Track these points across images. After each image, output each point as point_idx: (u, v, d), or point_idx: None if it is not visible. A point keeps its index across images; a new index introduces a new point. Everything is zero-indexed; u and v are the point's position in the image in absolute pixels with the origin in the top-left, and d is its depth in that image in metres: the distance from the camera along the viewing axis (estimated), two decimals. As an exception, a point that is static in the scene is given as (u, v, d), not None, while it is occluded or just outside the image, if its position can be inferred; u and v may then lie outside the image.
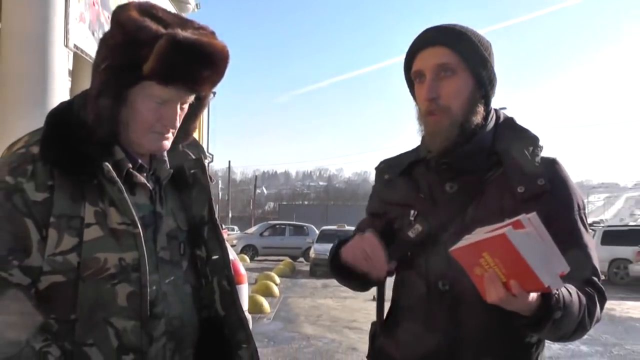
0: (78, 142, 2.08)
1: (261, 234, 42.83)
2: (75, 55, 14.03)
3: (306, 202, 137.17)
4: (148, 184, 2.24)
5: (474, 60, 2.30)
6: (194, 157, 2.40)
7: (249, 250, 40.66)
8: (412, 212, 2.38)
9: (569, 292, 2.05)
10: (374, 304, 2.56)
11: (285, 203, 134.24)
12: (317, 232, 36.27)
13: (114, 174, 2.08)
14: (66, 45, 13.48)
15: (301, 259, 38.56)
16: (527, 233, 1.80)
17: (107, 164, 2.08)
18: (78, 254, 2.05)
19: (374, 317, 2.53)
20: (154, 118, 2.15)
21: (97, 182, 2.08)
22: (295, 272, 30.97)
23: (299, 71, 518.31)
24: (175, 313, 2.23)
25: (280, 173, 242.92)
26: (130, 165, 2.18)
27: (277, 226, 44.43)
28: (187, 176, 2.37)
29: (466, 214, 2.28)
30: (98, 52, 2.16)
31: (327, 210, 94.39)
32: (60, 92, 13.14)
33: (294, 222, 46.59)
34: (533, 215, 1.87)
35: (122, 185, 2.10)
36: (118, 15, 2.12)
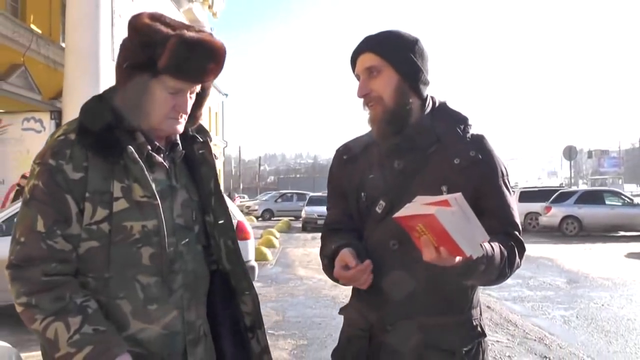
0: (107, 129, 1.96)
1: (275, 201, 45.27)
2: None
3: (298, 175, 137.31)
4: (165, 163, 2.11)
5: (394, 59, 2.21)
6: (201, 140, 2.27)
7: (267, 212, 42.97)
8: (363, 194, 2.30)
9: (492, 248, 1.99)
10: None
11: (282, 176, 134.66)
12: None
13: (137, 156, 1.96)
14: (113, 60, 13.39)
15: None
16: (453, 211, 1.71)
17: (130, 147, 1.96)
18: (109, 223, 1.94)
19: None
20: (169, 106, 2.03)
21: (123, 162, 1.96)
22: (291, 228, 31.27)
23: (297, 73, 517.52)
24: (189, 268, 2.11)
25: (278, 154, 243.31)
26: (150, 148, 2.05)
27: (287, 194, 46.58)
28: (197, 156, 2.24)
29: (413, 185, 2.17)
30: (119, 54, 2.04)
31: (314, 181, 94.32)
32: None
33: (298, 191, 47.82)
34: (459, 195, 1.78)
35: (143, 164, 1.98)
36: (134, 22, 1.99)
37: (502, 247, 2.07)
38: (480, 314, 2.29)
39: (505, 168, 2.27)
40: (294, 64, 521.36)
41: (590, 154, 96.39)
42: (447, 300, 2.18)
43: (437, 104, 2.33)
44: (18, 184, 12.94)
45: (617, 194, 27.10)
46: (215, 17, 27.71)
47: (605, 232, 25.22)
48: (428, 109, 2.29)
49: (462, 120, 2.28)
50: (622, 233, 25.33)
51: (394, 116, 2.21)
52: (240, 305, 2.28)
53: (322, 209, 30.59)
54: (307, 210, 31.37)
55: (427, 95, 2.30)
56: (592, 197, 26.15)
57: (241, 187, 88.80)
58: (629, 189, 40.75)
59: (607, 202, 25.82)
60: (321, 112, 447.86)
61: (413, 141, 2.23)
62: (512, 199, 2.25)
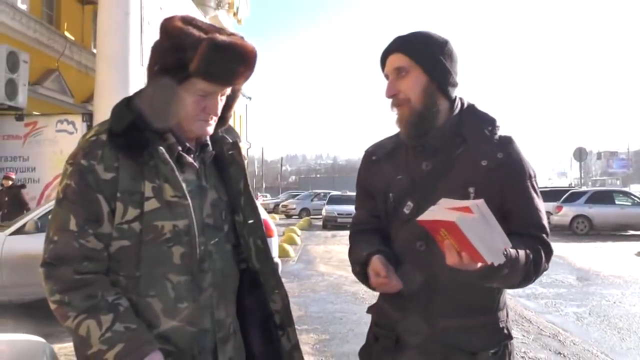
0: (138, 130, 1.90)
1: (311, 200, 45.23)
2: (149, 72, 13.96)
3: (318, 175, 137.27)
4: (195, 164, 2.05)
5: (423, 60, 2.12)
6: (230, 140, 2.21)
7: (304, 211, 42.77)
8: (390, 195, 2.21)
9: (517, 251, 1.90)
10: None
11: (303, 176, 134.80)
12: (328, 195, 36.61)
13: (167, 156, 1.91)
14: (142, 65, 13.44)
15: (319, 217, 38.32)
16: (474, 218, 1.66)
17: (161, 148, 1.91)
18: (140, 222, 1.88)
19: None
20: (199, 108, 1.96)
21: (153, 162, 1.90)
22: (311, 226, 31.12)
23: (318, 77, 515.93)
24: (218, 267, 2.05)
25: (299, 155, 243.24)
26: (180, 148, 2.00)
27: (320, 194, 46.17)
28: (226, 156, 2.18)
29: (440, 186, 2.08)
30: (151, 57, 1.98)
31: (334, 181, 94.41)
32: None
33: (331, 191, 46.63)
34: (481, 202, 1.72)
35: (173, 165, 1.92)
36: (166, 25, 1.93)
37: (527, 250, 1.98)
38: (507, 316, 2.20)
39: (533, 170, 2.17)
40: (315, 69, 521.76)
41: (599, 155, 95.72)
42: (473, 302, 2.10)
43: (465, 106, 2.24)
44: (1, 184, 12.98)
45: (626, 194, 26.91)
46: (240, 23, 27.83)
47: (615, 231, 24.96)
48: (456, 111, 2.20)
49: (489, 122, 2.18)
50: (631, 232, 25.04)
51: (421, 118, 2.13)
52: (270, 304, 2.22)
53: (342, 208, 30.91)
54: (327, 209, 31.21)
55: (455, 97, 2.21)
56: (602, 197, 25.89)
57: (264, 186, 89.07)
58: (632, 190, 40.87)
59: (617, 202, 25.58)
60: (341, 114, 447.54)
61: (440, 143, 2.15)
62: (540, 201, 2.15)
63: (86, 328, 1.78)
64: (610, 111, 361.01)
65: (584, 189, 32.62)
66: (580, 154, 36.61)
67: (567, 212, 25.06)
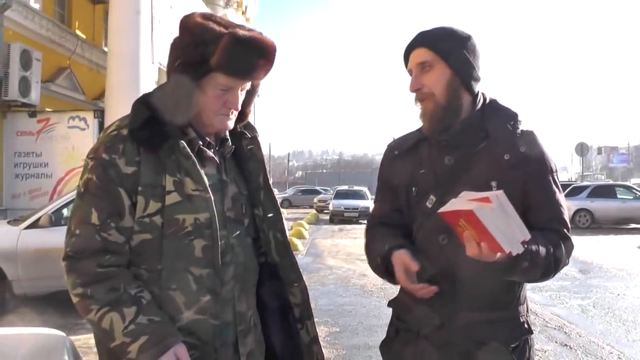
0: (159, 125, 1.88)
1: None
2: (160, 70, 13.94)
3: (324, 171, 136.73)
4: (215, 158, 2.03)
5: (447, 55, 2.08)
6: (250, 135, 2.18)
7: None
8: (414, 189, 2.18)
9: (538, 246, 1.87)
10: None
11: (309, 172, 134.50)
12: (335, 190, 36.33)
13: (189, 150, 1.89)
14: (152, 62, 13.44)
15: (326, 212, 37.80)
16: (492, 208, 1.64)
17: (183, 142, 1.89)
18: (161, 215, 1.86)
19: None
20: (220, 103, 1.94)
21: (174, 157, 1.89)
22: (319, 220, 31.04)
23: (324, 74, 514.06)
24: (240, 261, 2.03)
25: (306, 150, 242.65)
26: (201, 143, 1.98)
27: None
28: (245, 151, 2.16)
29: (462, 180, 2.04)
30: (170, 54, 1.96)
31: (340, 176, 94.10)
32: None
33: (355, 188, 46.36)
34: (500, 193, 1.70)
35: (195, 159, 1.90)
36: (186, 21, 1.92)
37: (548, 244, 1.95)
38: (527, 311, 2.17)
39: (555, 164, 2.14)
40: (321, 67, 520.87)
41: (599, 150, 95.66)
42: (494, 296, 2.06)
43: (487, 101, 2.20)
44: None
45: (628, 188, 26.84)
46: (248, 22, 27.70)
47: (616, 225, 24.87)
48: (479, 106, 2.16)
49: (512, 117, 2.15)
50: (633, 225, 24.98)
51: (444, 112, 2.10)
52: (289, 297, 2.20)
53: (348, 202, 31.07)
54: (334, 203, 31.09)
55: (478, 92, 2.18)
56: (604, 191, 25.81)
57: (271, 181, 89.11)
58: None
59: (618, 195, 25.51)
60: (346, 111, 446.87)
61: (463, 137, 2.11)
62: (562, 196, 2.12)
63: (109, 321, 1.77)
64: (611, 106, 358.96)
65: (585, 183, 32.58)
66: (582, 149, 36.58)
67: (569, 206, 24.73)
